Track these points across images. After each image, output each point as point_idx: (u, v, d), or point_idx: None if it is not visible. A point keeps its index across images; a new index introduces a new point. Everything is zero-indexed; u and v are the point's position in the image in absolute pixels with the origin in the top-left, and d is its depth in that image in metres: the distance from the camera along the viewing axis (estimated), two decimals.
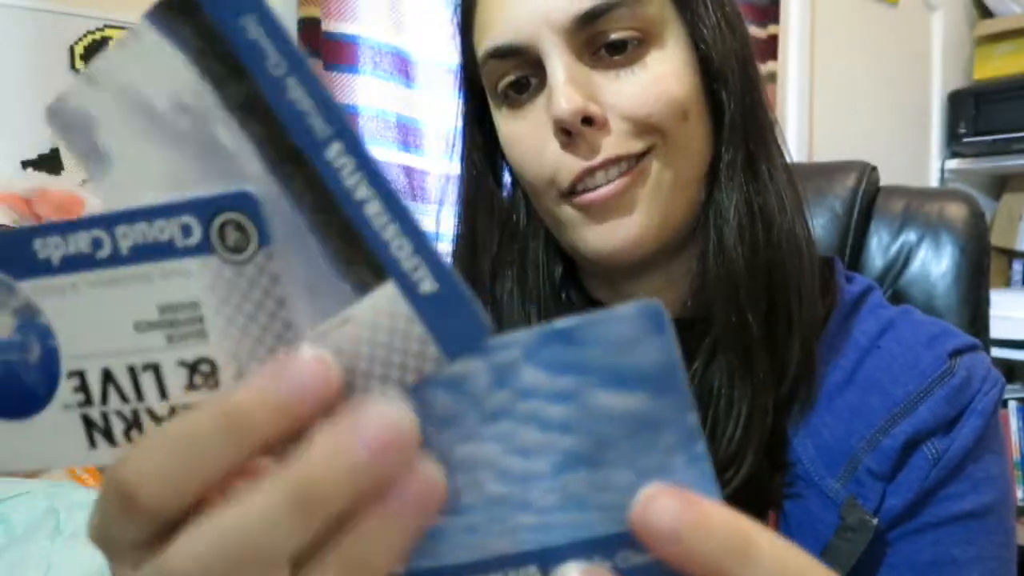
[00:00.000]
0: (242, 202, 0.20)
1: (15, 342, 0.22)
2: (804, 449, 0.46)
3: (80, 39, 1.08)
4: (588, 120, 0.45)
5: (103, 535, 0.21)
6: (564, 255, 0.55)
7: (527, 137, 0.49)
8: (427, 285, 0.20)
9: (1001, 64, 2.14)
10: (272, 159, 0.21)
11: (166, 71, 0.21)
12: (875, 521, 0.43)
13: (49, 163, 1.07)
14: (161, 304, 0.21)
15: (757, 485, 0.47)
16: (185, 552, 0.19)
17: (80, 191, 1.04)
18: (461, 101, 0.57)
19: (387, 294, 0.20)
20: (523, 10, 0.46)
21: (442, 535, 0.22)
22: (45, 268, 0.21)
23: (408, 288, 0.20)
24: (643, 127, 0.46)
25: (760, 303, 0.47)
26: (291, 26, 1.22)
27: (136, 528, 0.20)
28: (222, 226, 0.20)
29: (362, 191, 0.20)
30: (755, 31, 1.76)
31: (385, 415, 0.20)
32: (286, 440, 0.20)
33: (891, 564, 0.45)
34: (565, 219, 0.49)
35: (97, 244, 0.21)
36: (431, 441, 0.21)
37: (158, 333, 0.21)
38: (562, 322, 0.20)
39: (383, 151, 1.29)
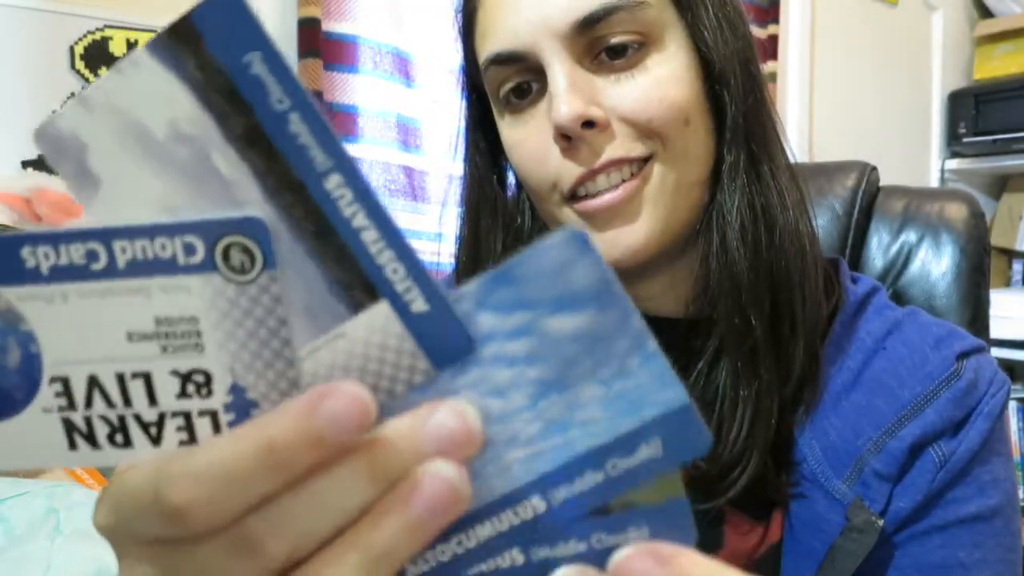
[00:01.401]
0: (250, 227, 0.21)
1: None
2: (810, 450, 0.46)
3: (80, 39, 1.08)
4: (589, 124, 0.45)
5: (122, 529, 0.22)
6: None
7: (529, 142, 0.49)
8: (418, 305, 0.22)
9: (1001, 64, 2.14)
10: (272, 188, 0.22)
11: (166, 100, 0.21)
12: (881, 523, 0.43)
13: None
14: (158, 316, 0.22)
15: (763, 485, 0.47)
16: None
17: None
18: (464, 105, 0.57)
19: (381, 313, 0.22)
20: (523, 16, 0.46)
21: None
22: (32, 276, 0.21)
23: (401, 308, 0.22)
24: (645, 131, 0.46)
25: (764, 304, 0.47)
26: (291, 26, 1.22)
27: (170, 531, 0.21)
28: (227, 248, 0.21)
29: (360, 219, 0.21)
30: (755, 31, 1.76)
31: (445, 481, 0.21)
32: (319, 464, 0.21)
33: (898, 566, 0.45)
34: (568, 224, 0.48)
35: (92, 256, 0.21)
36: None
37: (152, 343, 0.22)
38: (499, 266, 0.22)
39: (383, 151, 1.29)
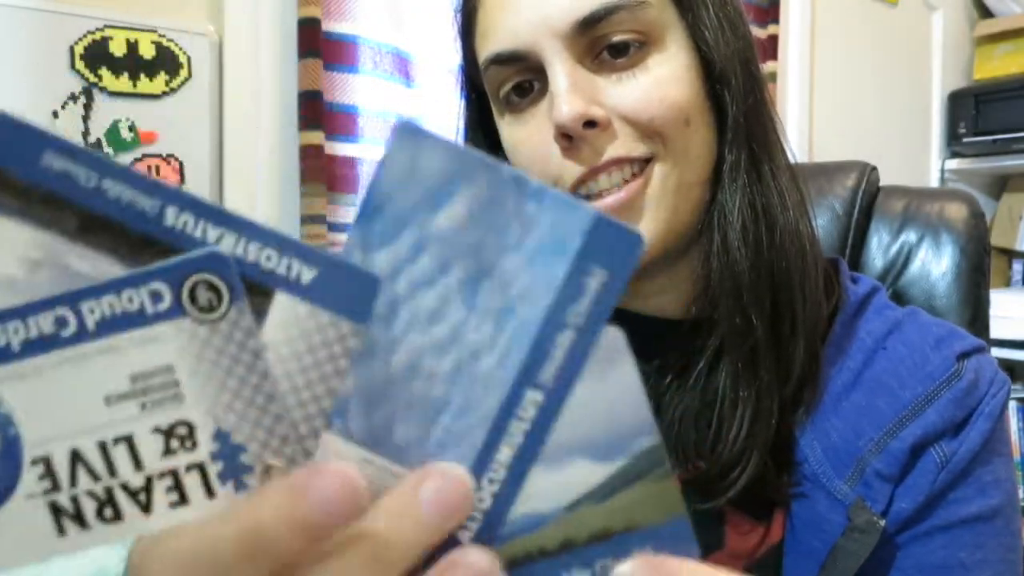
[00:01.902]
0: (213, 262, 0.21)
1: None
2: (811, 450, 0.46)
3: (80, 39, 1.08)
4: (591, 123, 0.45)
5: None
6: None
7: (530, 142, 0.48)
8: (306, 275, 0.21)
9: (1001, 64, 2.14)
10: (128, 256, 0.21)
11: (5, 242, 0.21)
12: (883, 523, 0.43)
13: None
14: (133, 373, 0.21)
15: (763, 485, 0.47)
16: None
17: None
18: (463, 105, 0.57)
19: (280, 305, 0.21)
20: (523, 16, 0.45)
21: (449, 435, 0.22)
22: (4, 355, 0.21)
23: (292, 288, 0.21)
24: (646, 131, 0.46)
25: (764, 303, 0.47)
26: (291, 26, 1.22)
27: None
28: (193, 288, 0.21)
29: (211, 233, 0.21)
30: (755, 31, 1.76)
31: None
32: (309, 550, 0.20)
33: (899, 567, 0.45)
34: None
35: (61, 323, 0.21)
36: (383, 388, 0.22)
37: (131, 403, 0.21)
38: (360, 204, 0.22)
39: (383, 151, 1.29)
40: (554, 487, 0.23)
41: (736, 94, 0.48)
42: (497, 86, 0.49)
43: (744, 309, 0.46)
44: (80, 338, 0.21)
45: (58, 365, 0.21)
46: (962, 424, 0.45)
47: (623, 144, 0.45)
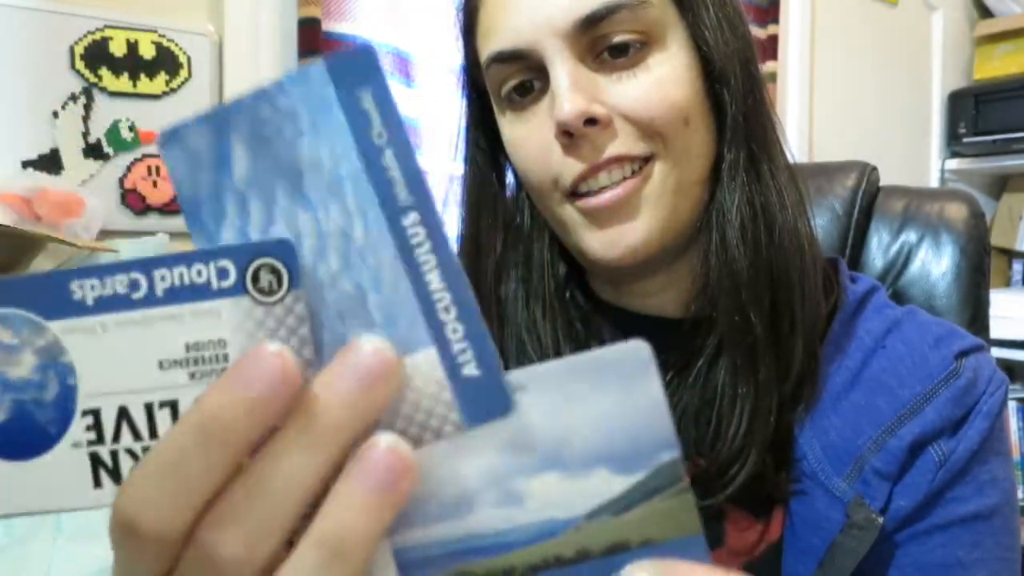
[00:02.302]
0: (280, 249, 0.22)
1: (32, 381, 0.23)
2: (811, 448, 0.47)
3: (80, 39, 1.08)
4: (592, 121, 0.45)
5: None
6: (568, 255, 0.55)
7: (531, 140, 0.49)
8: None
9: (1001, 64, 2.14)
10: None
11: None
12: (881, 520, 0.43)
13: (49, 163, 1.07)
14: (189, 342, 0.23)
15: (762, 483, 0.47)
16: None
17: (80, 191, 1.04)
18: (464, 103, 0.57)
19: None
20: (525, 15, 0.46)
21: (385, 308, 0.23)
22: (78, 308, 0.23)
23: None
24: (646, 130, 0.46)
25: (763, 302, 0.47)
26: (291, 26, 1.22)
27: (147, 564, 0.20)
28: (257, 270, 0.22)
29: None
30: (755, 31, 1.76)
31: (387, 449, 0.21)
32: (263, 435, 0.21)
33: (898, 565, 0.45)
34: (569, 221, 0.49)
35: (134, 286, 0.23)
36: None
37: (181, 370, 0.23)
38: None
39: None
40: (573, 495, 0.23)
41: (736, 94, 0.48)
42: (499, 84, 0.50)
43: (743, 307, 0.47)
44: (148, 302, 0.22)
45: (123, 325, 0.23)
46: (960, 422, 0.46)
47: (623, 142, 0.46)
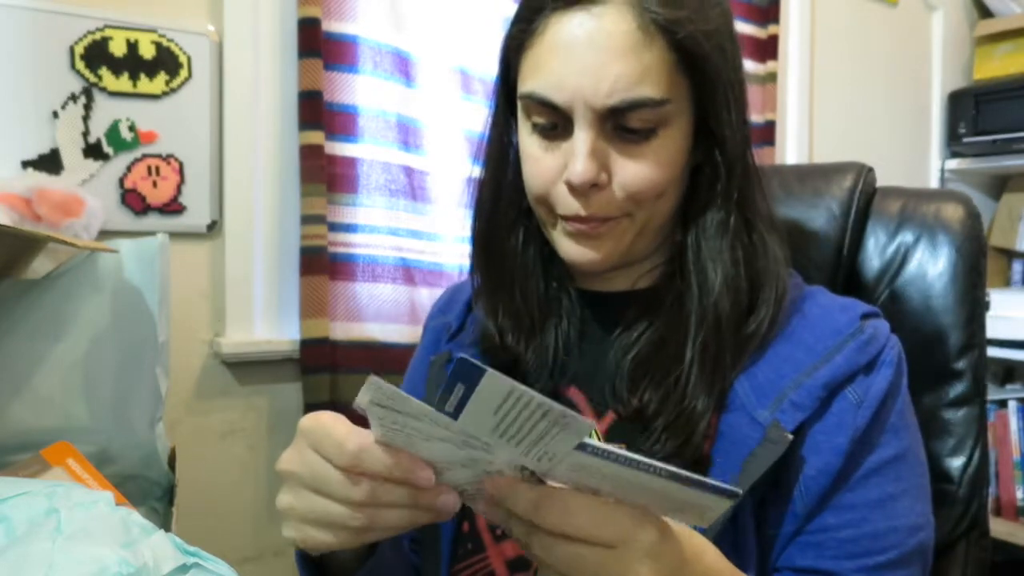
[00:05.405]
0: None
1: None
2: (741, 387, 0.58)
3: (80, 39, 1.08)
4: (594, 185, 0.56)
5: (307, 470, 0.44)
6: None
7: (543, 164, 0.59)
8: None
9: (1001, 64, 2.14)
10: None
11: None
12: (791, 436, 0.53)
13: (49, 163, 1.07)
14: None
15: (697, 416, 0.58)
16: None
17: (80, 191, 1.04)
18: (496, 102, 0.66)
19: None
20: (571, 81, 0.55)
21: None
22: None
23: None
24: (632, 197, 0.57)
25: (734, 344, 0.58)
26: (291, 26, 1.22)
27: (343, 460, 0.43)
28: None
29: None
30: (755, 31, 1.76)
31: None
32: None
33: (851, 505, 0.55)
34: (552, 229, 0.62)
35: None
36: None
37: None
38: None
39: (383, 151, 1.29)
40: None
41: (731, 169, 0.59)
42: (528, 113, 0.59)
43: (721, 338, 0.58)
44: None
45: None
46: (868, 368, 0.57)
47: (610, 205, 0.57)
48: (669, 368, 0.58)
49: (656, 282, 0.63)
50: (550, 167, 0.58)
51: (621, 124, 0.56)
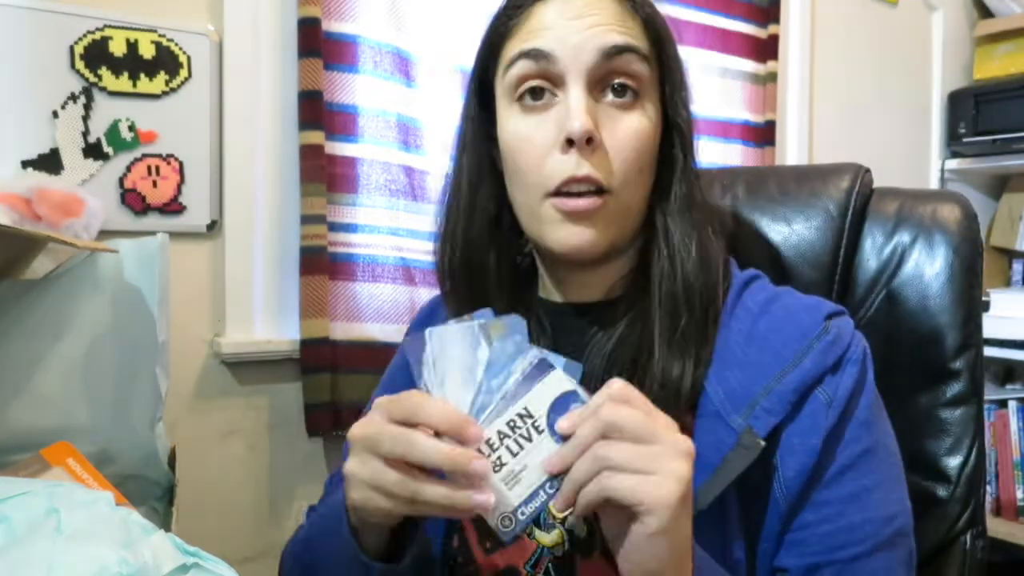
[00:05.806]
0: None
1: None
2: (715, 393, 0.60)
3: (80, 39, 1.08)
4: (590, 139, 0.59)
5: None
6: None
7: (534, 138, 0.61)
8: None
9: (1001, 64, 2.14)
10: None
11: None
12: (763, 443, 0.56)
13: (49, 163, 1.07)
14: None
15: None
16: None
17: (80, 191, 1.04)
18: (468, 96, 0.69)
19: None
20: (562, 32, 0.60)
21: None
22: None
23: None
24: (617, 165, 0.60)
25: (694, 301, 0.62)
26: (291, 26, 1.22)
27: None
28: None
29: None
30: (755, 31, 1.76)
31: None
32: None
33: (827, 501, 0.57)
34: (545, 216, 0.63)
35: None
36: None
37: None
38: None
39: (383, 151, 1.29)
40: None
41: (687, 152, 0.65)
42: (517, 82, 0.62)
43: (676, 310, 0.62)
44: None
45: None
46: (834, 368, 0.59)
47: (600, 168, 0.60)
48: (641, 354, 0.62)
49: (627, 290, 0.67)
50: (543, 138, 0.61)
51: (609, 83, 0.60)
